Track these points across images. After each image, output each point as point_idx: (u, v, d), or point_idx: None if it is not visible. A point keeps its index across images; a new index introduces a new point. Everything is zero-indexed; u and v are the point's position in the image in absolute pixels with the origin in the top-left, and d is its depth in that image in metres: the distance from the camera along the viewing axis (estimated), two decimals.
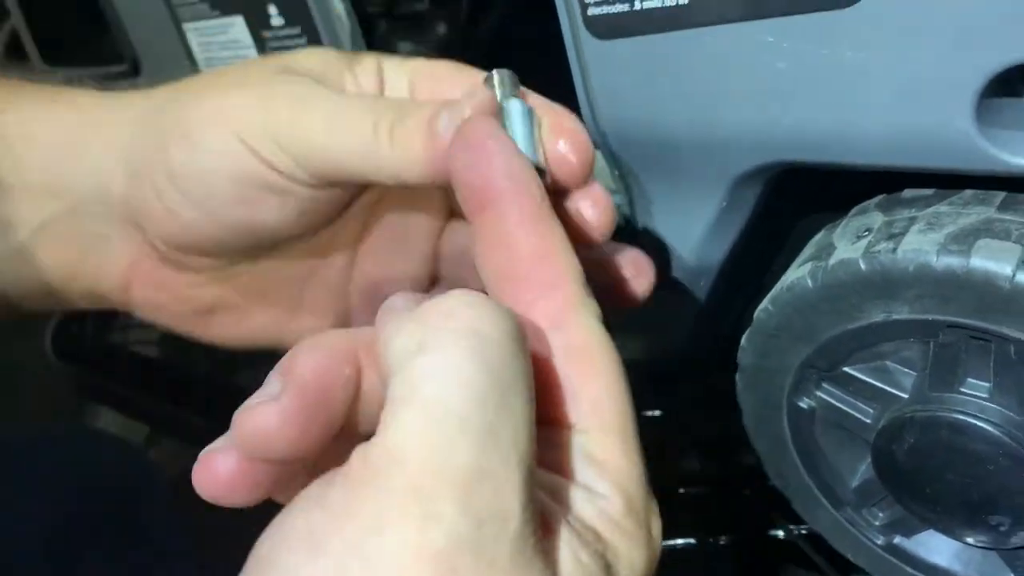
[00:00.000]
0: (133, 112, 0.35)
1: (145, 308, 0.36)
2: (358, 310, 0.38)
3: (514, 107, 0.31)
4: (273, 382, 0.24)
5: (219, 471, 0.24)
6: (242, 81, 0.33)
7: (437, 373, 0.21)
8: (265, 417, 0.23)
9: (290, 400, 0.23)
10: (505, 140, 0.29)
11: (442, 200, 0.38)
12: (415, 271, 0.37)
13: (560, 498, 0.24)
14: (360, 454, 0.21)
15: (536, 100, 0.34)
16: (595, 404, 0.26)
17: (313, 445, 0.24)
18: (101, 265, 0.36)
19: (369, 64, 0.36)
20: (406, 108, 0.31)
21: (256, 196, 0.32)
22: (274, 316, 0.37)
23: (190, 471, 0.25)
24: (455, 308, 0.23)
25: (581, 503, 0.24)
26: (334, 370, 0.24)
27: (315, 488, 0.22)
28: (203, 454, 0.25)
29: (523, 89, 0.34)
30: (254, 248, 0.35)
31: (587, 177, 0.32)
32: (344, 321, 0.38)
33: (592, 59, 0.39)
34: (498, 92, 0.32)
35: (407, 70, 0.36)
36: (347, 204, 0.36)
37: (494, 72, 0.33)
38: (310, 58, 0.35)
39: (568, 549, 0.22)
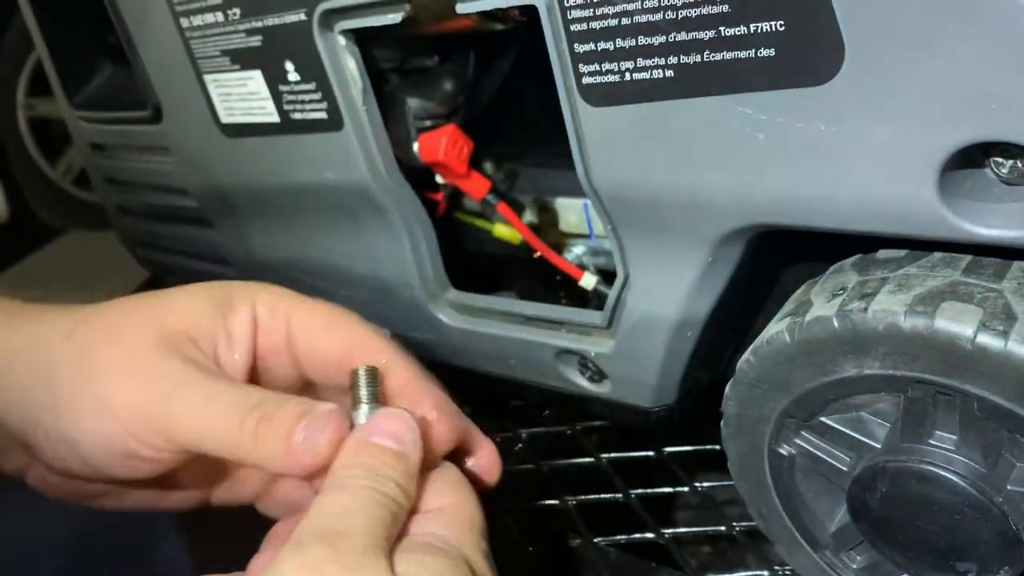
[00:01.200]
0: (28, 350, 0.38)
1: (45, 492, 0.41)
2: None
3: (360, 415, 0.37)
4: None
5: None
6: (124, 364, 0.37)
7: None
8: None
9: None
10: None
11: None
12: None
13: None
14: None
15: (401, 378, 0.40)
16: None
17: None
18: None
19: (243, 315, 0.39)
20: (270, 407, 0.35)
21: (130, 463, 0.37)
22: (150, 497, 0.42)
23: None
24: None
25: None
26: None
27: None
28: None
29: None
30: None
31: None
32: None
33: (586, 123, 0.42)
34: (362, 391, 0.37)
35: (282, 315, 0.40)
36: None
37: (359, 368, 0.37)
38: (185, 314, 0.38)
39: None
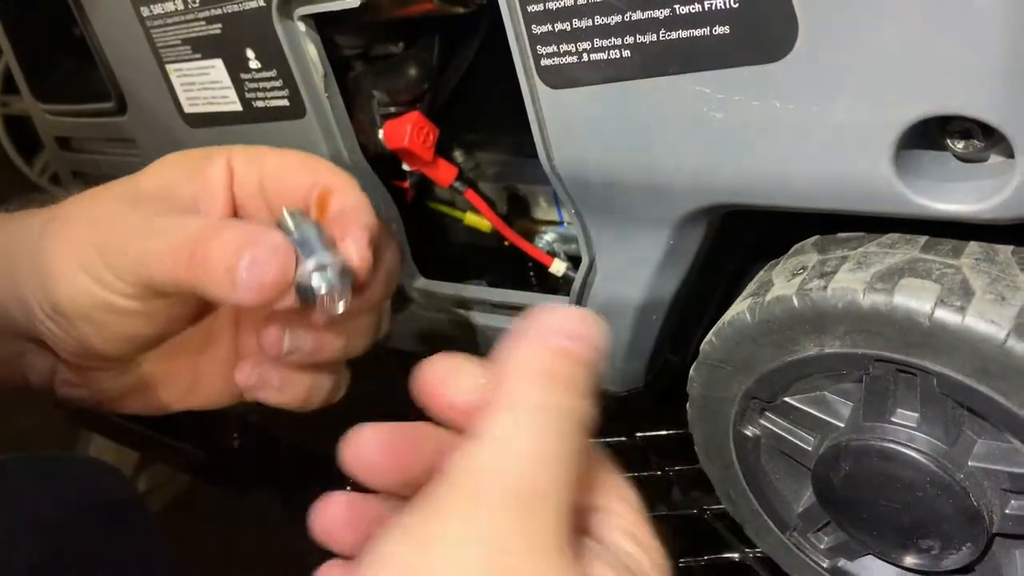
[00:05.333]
0: (21, 240, 0.39)
1: (70, 398, 0.42)
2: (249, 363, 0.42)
3: (309, 232, 0.35)
4: None
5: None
6: (92, 217, 0.38)
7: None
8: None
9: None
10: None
11: None
12: None
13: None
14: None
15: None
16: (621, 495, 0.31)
17: None
18: (26, 372, 0.42)
19: (219, 167, 0.39)
20: (208, 232, 0.34)
21: (110, 320, 0.37)
22: (178, 392, 0.43)
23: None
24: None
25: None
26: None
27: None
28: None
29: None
30: (141, 349, 0.40)
31: (370, 262, 0.36)
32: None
33: (545, 106, 0.42)
34: (292, 226, 0.35)
35: (256, 163, 0.40)
36: (194, 314, 0.41)
37: (284, 212, 0.36)
38: (160, 175, 0.39)
39: None
